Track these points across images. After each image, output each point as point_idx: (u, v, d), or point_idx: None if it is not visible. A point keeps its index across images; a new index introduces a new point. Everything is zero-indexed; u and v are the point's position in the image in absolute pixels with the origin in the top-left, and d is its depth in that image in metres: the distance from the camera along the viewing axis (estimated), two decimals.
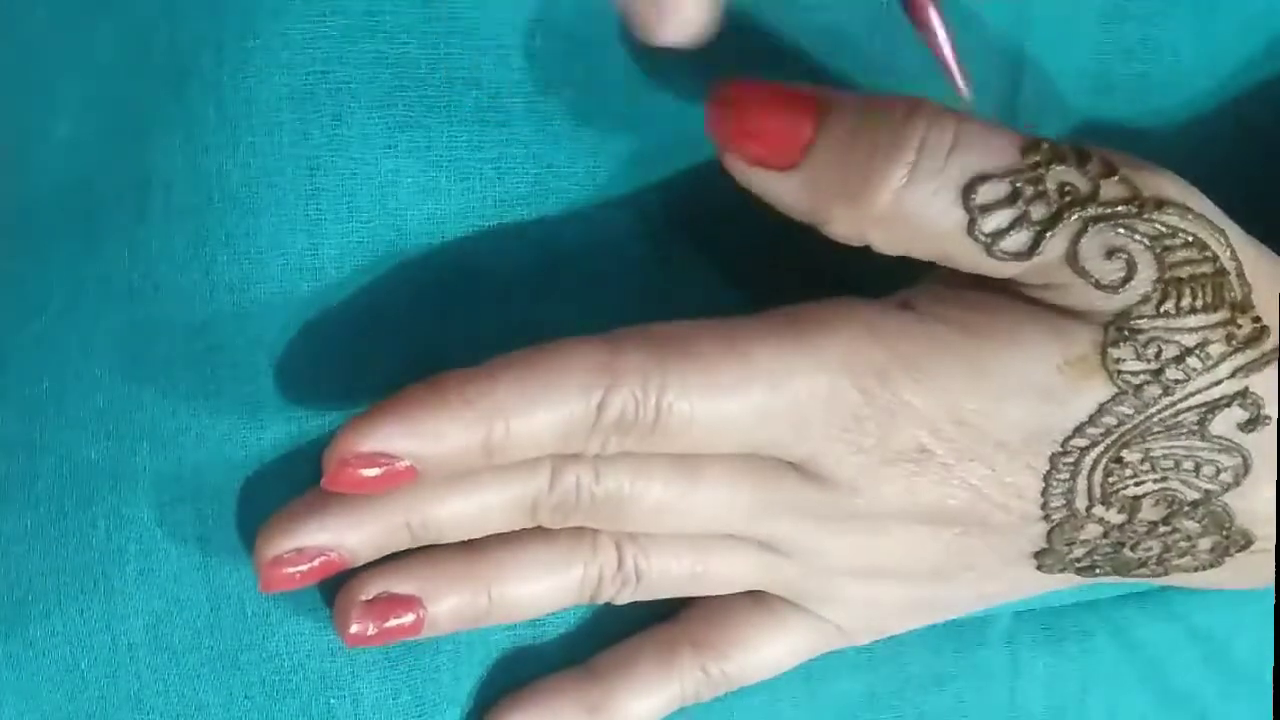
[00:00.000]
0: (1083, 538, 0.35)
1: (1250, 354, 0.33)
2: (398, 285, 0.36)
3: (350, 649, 0.36)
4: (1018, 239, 0.32)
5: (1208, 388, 0.33)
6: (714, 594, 0.37)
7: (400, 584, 0.35)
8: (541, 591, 0.35)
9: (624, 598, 0.36)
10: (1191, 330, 0.32)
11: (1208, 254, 0.33)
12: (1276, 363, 0.33)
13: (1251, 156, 0.38)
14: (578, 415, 0.32)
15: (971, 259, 0.33)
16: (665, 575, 0.36)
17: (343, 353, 0.36)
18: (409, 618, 0.35)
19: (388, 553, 0.35)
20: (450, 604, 0.35)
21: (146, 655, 0.36)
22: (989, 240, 0.32)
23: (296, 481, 0.35)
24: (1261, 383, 0.33)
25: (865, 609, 0.37)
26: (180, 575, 0.36)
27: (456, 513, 0.34)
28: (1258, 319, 0.33)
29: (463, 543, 0.35)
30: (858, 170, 0.32)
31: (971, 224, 0.32)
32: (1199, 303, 0.32)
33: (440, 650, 0.37)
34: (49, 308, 0.36)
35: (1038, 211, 0.32)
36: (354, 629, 0.35)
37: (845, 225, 0.33)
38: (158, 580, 0.36)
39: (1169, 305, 0.32)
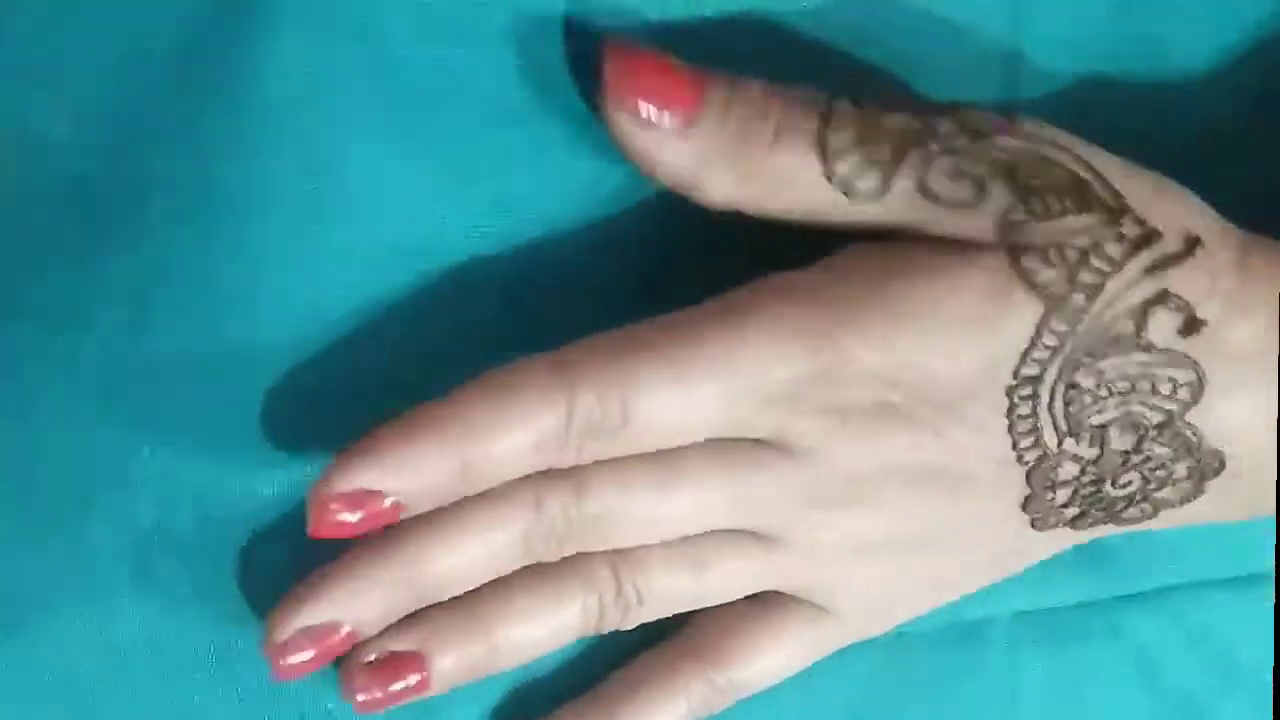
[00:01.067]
0: (1061, 478, 0.35)
1: (1153, 253, 0.33)
2: (398, 286, 0.35)
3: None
4: (869, 179, 0.34)
5: (1125, 289, 0.33)
6: (716, 603, 0.37)
7: (400, 642, 0.35)
8: (543, 631, 0.36)
9: (629, 622, 0.36)
10: (1077, 231, 0.33)
11: (1056, 170, 0.34)
12: (1187, 262, 0.34)
13: (1260, 150, 0.38)
14: (547, 426, 0.33)
15: (839, 208, 0.34)
16: (665, 591, 0.36)
17: (342, 353, 0.35)
18: (414, 678, 0.35)
19: (394, 620, 0.35)
20: (452, 656, 0.35)
21: (142, 658, 0.36)
22: (844, 185, 0.34)
23: (294, 483, 0.36)
24: (1181, 283, 0.34)
25: (868, 593, 0.37)
26: (176, 577, 0.36)
27: (452, 565, 0.34)
28: (1142, 220, 0.34)
29: (459, 597, 0.35)
30: (739, 133, 0.34)
31: (828, 170, 0.34)
32: (1068, 204, 0.34)
33: None
34: (48, 307, 0.36)
35: (882, 153, 0.34)
36: (361, 698, 0.35)
37: (719, 190, 0.34)
38: (154, 582, 0.35)
39: (1037, 208, 0.33)
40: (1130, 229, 0.34)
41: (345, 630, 0.34)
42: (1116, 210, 0.34)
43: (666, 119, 0.34)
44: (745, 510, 0.35)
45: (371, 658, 0.35)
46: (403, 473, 0.33)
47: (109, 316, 0.35)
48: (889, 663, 0.40)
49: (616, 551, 0.36)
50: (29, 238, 0.36)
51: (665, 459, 0.35)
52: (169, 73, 0.34)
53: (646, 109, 0.34)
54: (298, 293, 0.35)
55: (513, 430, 0.33)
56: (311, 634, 0.34)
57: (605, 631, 0.36)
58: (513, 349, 0.35)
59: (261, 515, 0.36)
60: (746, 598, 0.37)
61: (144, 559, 0.35)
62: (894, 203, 0.34)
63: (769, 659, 0.37)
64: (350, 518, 0.33)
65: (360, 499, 0.33)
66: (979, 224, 0.34)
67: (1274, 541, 0.36)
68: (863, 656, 0.39)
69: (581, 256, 0.36)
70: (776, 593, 0.37)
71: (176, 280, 0.35)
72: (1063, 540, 0.37)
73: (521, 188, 0.36)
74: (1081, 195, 0.34)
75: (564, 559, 0.35)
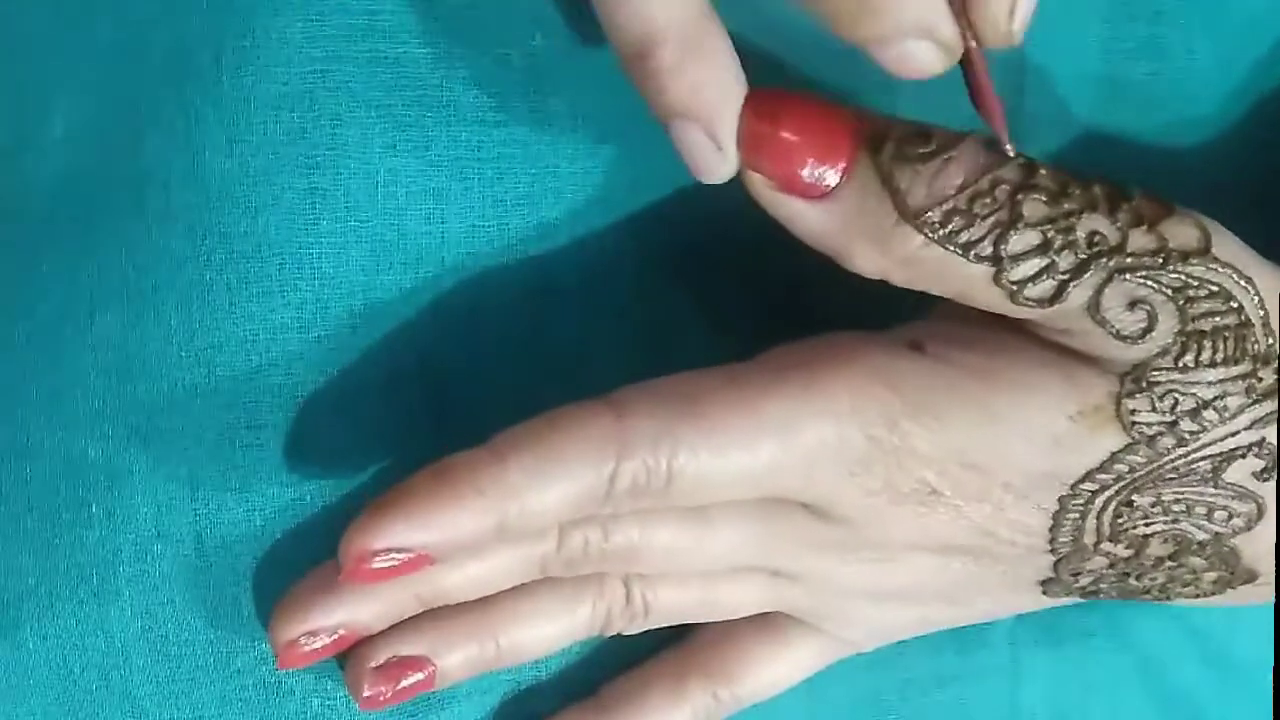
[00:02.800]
0: (1089, 568, 0.35)
1: (1269, 405, 0.32)
2: (396, 285, 0.35)
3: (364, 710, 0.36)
4: (1042, 287, 0.32)
5: (1223, 439, 0.33)
6: (723, 619, 0.37)
7: (409, 646, 0.35)
8: (551, 633, 0.36)
9: (634, 629, 0.36)
10: (1210, 384, 0.32)
11: (1233, 304, 0.32)
12: None
13: (1269, 158, 0.38)
14: (590, 487, 0.32)
15: (993, 302, 0.32)
16: (674, 604, 0.36)
17: (340, 352, 0.35)
18: (420, 676, 0.35)
19: (400, 619, 0.35)
20: (460, 658, 0.35)
21: (140, 658, 0.36)
22: (1014, 288, 0.32)
23: (293, 482, 0.36)
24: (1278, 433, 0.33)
25: (872, 625, 0.37)
26: (175, 576, 0.35)
27: (465, 579, 0.34)
28: None
29: None
30: (892, 211, 0.32)
31: (999, 273, 0.32)
32: (1219, 356, 0.32)
33: None
34: (45, 307, 0.36)
35: (1065, 261, 0.31)
36: (367, 694, 0.35)
37: (868, 263, 0.32)
38: (152, 582, 0.35)
39: (1188, 358, 0.32)
40: (1265, 380, 0.32)
41: (347, 631, 0.34)
42: (1262, 358, 0.32)
43: (810, 180, 0.32)
44: (768, 555, 0.35)
45: (379, 662, 0.35)
46: (440, 532, 0.32)
47: (105, 316, 0.35)
48: (891, 663, 0.40)
49: None
50: (25, 236, 0.36)
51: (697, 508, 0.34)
52: (166, 69, 0.34)
53: (787, 170, 0.31)
54: (294, 291, 0.35)
55: (554, 491, 0.32)
56: (318, 633, 0.34)
57: (609, 635, 0.36)
58: (513, 348, 0.34)
59: (260, 513, 0.36)
60: None
61: (143, 559, 0.35)
62: (1059, 310, 0.32)
63: (771, 673, 0.37)
64: (385, 565, 0.32)
65: (394, 552, 0.32)
66: (1124, 355, 0.32)
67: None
68: (864, 657, 0.39)
69: (581, 256, 0.36)
70: None
71: (172, 278, 0.35)
72: (1070, 600, 0.37)
73: (521, 188, 0.35)
74: (1240, 343, 0.32)
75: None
